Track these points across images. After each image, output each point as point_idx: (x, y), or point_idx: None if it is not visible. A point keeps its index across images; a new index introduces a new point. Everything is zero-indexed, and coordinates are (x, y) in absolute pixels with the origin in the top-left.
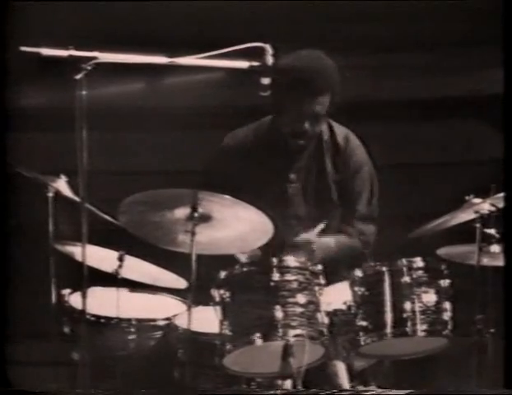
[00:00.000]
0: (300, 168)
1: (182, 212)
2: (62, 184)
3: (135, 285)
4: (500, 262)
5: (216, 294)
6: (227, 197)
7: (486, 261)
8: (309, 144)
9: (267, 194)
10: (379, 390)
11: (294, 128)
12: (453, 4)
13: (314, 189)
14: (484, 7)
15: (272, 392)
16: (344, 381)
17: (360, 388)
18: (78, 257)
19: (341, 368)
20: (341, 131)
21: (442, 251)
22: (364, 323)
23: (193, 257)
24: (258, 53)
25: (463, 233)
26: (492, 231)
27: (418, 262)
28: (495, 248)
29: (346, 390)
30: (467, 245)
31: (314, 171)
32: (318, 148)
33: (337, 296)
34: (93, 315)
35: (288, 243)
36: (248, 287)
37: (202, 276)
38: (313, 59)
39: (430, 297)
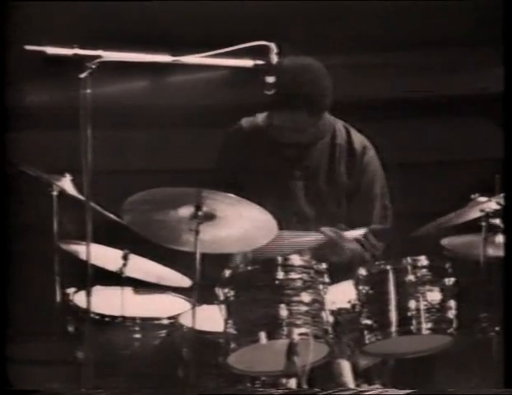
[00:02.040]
0: (307, 166)
1: (186, 211)
2: (66, 183)
3: (139, 284)
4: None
5: (220, 292)
6: (231, 195)
7: (491, 251)
8: (303, 153)
9: (270, 188)
10: (381, 389)
11: (280, 139)
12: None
13: (320, 189)
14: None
15: (275, 390)
16: (349, 380)
17: (364, 386)
18: (83, 256)
19: (345, 366)
20: (358, 138)
21: (445, 241)
22: (368, 322)
23: (198, 256)
24: (262, 52)
25: (468, 227)
26: (497, 221)
27: (423, 260)
28: (500, 238)
29: (349, 389)
30: (472, 235)
31: (323, 171)
32: (331, 149)
33: (342, 295)
34: (97, 314)
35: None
36: (252, 286)
37: (207, 275)
38: (296, 74)
39: (434, 295)
